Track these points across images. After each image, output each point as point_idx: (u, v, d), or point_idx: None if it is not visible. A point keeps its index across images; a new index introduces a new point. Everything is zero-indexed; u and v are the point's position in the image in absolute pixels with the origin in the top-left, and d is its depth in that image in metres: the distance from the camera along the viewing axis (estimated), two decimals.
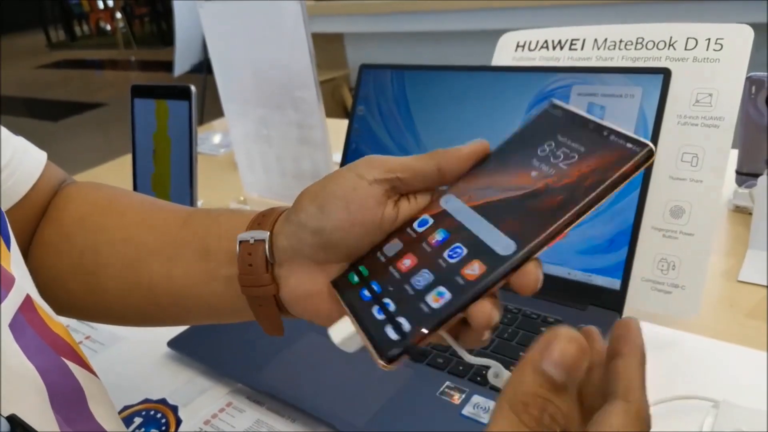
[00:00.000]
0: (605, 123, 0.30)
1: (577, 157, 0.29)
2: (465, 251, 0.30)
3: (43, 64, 7.30)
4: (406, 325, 0.28)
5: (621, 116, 0.56)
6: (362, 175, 0.33)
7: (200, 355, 0.61)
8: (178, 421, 0.53)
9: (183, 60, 2.30)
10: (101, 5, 8.72)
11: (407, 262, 0.31)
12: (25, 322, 0.32)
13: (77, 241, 0.43)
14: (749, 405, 0.46)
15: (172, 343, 0.63)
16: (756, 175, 0.70)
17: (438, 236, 0.31)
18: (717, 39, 0.55)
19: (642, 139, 0.28)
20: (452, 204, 0.32)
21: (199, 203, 0.98)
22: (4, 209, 0.39)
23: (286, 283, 0.36)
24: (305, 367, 0.56)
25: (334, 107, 2.68)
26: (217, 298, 0.39)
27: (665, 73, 0.55)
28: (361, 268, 0.33)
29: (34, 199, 0.45)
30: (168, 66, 2.37)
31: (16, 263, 0.34)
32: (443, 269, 0.30)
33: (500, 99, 0.64)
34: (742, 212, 0.75)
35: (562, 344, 0.24)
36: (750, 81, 0.72)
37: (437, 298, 0.29)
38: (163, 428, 0.52)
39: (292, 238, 0.35)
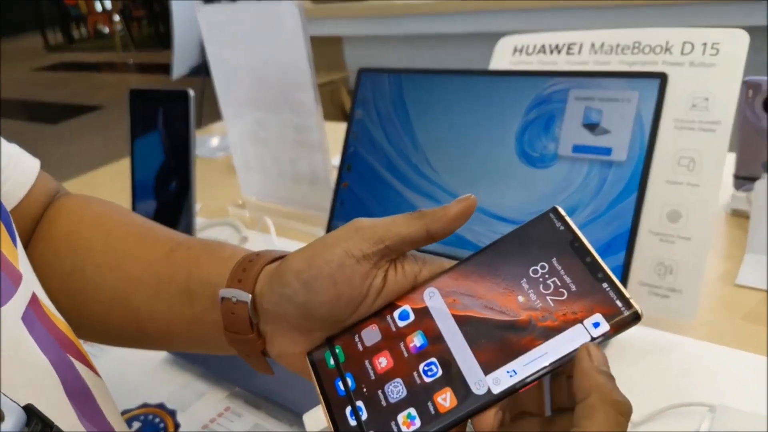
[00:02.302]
0: (602, 264, 0.29)
1: (566, 295, 0.29)
2: (440, 372, 0.30)
3: (41, 66, 7.29)
4: None
5: (618, 120, 0.56)
6: (350, 252, 0.33)
7: (198, 359, 0.61)
8: (177, 426, 0.53)
9: (181, 63, 2.29)
10: (99, 8, 8.72)
11: (383, 362, 0.32)
12: (35, 316, 0.32)
13: (65, 261, 0.43)
14: (746, 408, 0.46)
15: None
16: (753, 179, 0.71)
17: (416, 341, 0.31)
18: (713, 43, 0.56)
19: (632, 301, 0.28)
20: (435, 302, 0.32)
21: (198, 206, 0.98)
22: None
23: (271, 340, 0.36)
24: None
25: (333, 110, 2.68)
26: (205, 338, 0.39)
27: (662, 78, 0.55)
28: (337, 349, 0.33)
29: (27, 208, 0.45)
30: (166, 69, 2.36)
31: (22, 261, 0.35)
32: (417, 386, 0.30)
33: (498, 103, 0.64)
34: (739, 216, 0.76)
35: None
36: (747, 85, 0.72)
37: (408, 422, 0.29)
38: None
39: (276, 307, 0.35)
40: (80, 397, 0.33)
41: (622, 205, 0.55)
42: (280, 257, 0.37)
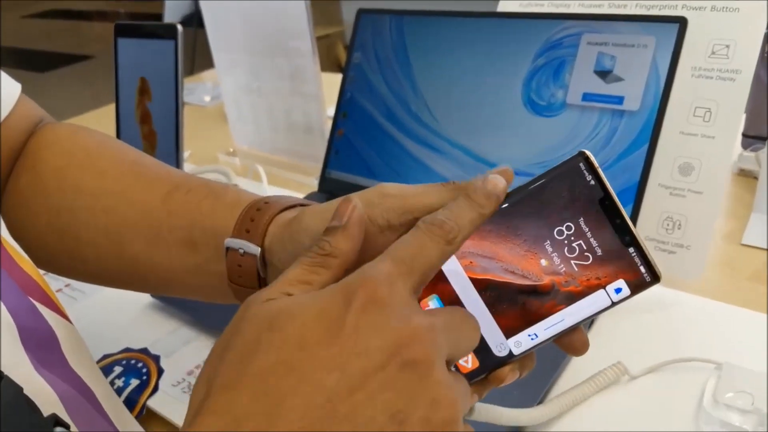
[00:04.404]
0: (632, 226, 0.27)
1: (590, 260, 0.28)
2: None
3: (30, 13, 7.11)
4: None
5: (633, 67, 0.53)
6: (374, 220, 0.30)
7: (185, 306, 0.58)
8: (160, 371, 0.51)
9: (173, 12, 2.24)
10: None
11: None
12: None
13: (54, 199, 0.40)
14: (752, 367, 0.45)
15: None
16: (763, 138, 0.68)
17: (431, 305, 0.29)
18: None
19: (656, 267, 0.27)
20: (450, 265, 0.29)
21: (186, 154, 0.94)
22: None
23: None
24: None
25: (329, 65, 2.63)
26: (208, 287, 0.37)
27: (681, 23, 0.52)
28: None
29: (7, 133, 0.41)
30: (157, 18, 2.30)
31: None
32: None
33: (505, 47, 0.61)
34: (746, 176, 0.73)
35: None
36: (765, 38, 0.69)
37: None
38: (144, 377, 0.50)
39: (287, 266, 0.31)
40: (40, 344, 0.31)
41: (632, 157, 0.53)
42: (290, 206, 0.34)
